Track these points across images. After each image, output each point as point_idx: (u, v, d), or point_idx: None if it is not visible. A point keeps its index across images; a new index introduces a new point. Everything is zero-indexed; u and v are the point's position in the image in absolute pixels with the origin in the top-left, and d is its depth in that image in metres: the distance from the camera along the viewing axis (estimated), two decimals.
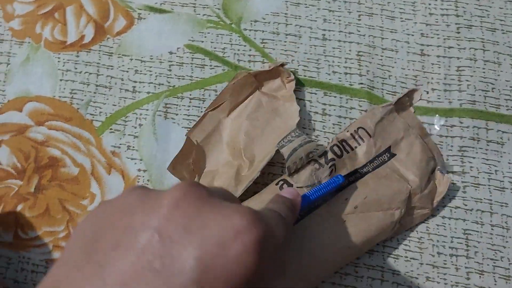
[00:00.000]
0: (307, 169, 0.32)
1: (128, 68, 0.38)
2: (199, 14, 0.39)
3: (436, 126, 0.36)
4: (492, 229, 0.34)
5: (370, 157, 0.34)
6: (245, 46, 0.38)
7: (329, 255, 0.31)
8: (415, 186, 0.33)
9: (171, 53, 0.38)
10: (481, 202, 0.35)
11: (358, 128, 0.34)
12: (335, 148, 0.33)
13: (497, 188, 0.35)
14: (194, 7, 0.39)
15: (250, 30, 0.38)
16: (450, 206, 0.34)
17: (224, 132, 0.35)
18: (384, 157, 0.34)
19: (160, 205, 0.18)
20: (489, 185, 0.35)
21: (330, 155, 0.33)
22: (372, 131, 0.34)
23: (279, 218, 0.22)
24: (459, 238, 0.34)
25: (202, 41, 0.38)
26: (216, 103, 0.35)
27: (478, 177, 0.35)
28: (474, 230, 0.34)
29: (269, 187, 0.33)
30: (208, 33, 0.38)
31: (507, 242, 0.34)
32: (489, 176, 0.35)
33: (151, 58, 0.38)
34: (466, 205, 0.35)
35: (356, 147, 0.34)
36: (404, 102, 0.36)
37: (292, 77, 0.36)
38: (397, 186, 0.33)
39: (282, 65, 0.36)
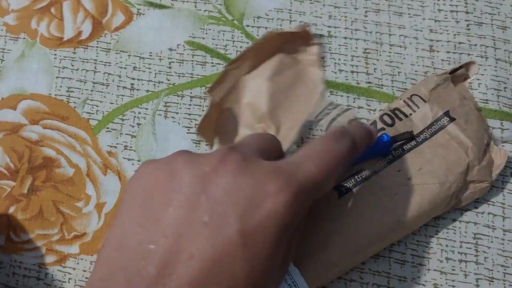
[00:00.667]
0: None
1: (126, 65, 0.36)
2: (200, 9, 0.37)
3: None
4: (504, 234, 0.33)
5: (428, 122, 0.32)
6: (247, 43, 0.37)
7: (377, 230, 0.30)
8: (473, 157, 0.31)
9: (171, 49, 0.37)
10: (493, 205, 0.33)
11: (411, 96, 0.32)
12: (385, 118, 0.32)
13: (510, 192, 0.34)
14: (195, 2, 0.38)
15: (253, 26, 0.37)
16: (460, 209, 0.33)
17: (243, 91, 0.33)
18: (444, 121, 0.32)
19: (204, 170, 0.21)
20: (502, 188, 0.34)
21: (379, 125, 0.31)
22: (427, 97, 0.32)
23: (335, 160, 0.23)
24: (468, 243, 0.33)
25: (203, 38, 0.37)
26: (237, 60, 0.33)
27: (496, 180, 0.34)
28: (484, 235, 0.33)
29: None
30: (210, 29, 0.37)
31: None
32: (503, 178, 0.34)
33: (150, 55, 0.37)
34: (477, 207, 0.33)
35: (410, 114, 0.32)
36: (460, 75, 0.34)
37: (317, 40, 0.34)
38: (455, 156, 0.31)
39: (308, 26, 0.33)
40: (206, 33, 0.37)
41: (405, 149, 0.31)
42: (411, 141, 0.31)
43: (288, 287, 0.26)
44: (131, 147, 0.35)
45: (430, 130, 0.32)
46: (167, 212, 0.20)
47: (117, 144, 0.35)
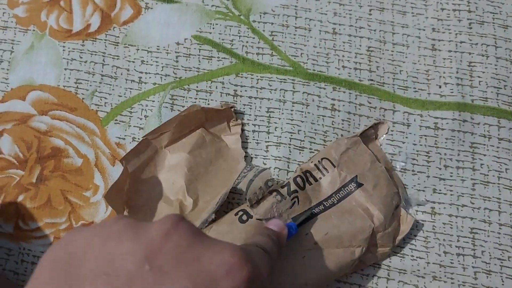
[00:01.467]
0: (269, 201, 0.31)
1: (135, 59, 0.37)
2: (207, 4, 0.38)
3: (398, 165, 0.35)
4: (500, 228, 0.34)
5: (335, 187, 0.33)
6: (253, 38, 0.37)
7: None
8: (379, 223, 0.32)
9: (178, 44, 0.37)
10: (489, 200, 0.34)
11: (322, 159, 0.33)
12: (298, 179, 0.32)
13: (506, 187, 0.34)
14: None
15: (259, 22, 0.38)
16: (457, 205, 0.34)
17: (161, 163, 0.34)
18: (351, 187, 0.33)
19: (150, 234, 0.18)
20: (498, 184, 0.35)
21: (292, 187, 0.32)
22: (337, 162, 0.33)
23: (264, 255, 0.22)
24: (466, 237, 0.33)
25: (210, 33, 0.37)
26: (159, 130, 0.33)
27: (488, 175, 0.35)
28: (481, 229, 0.34)
29: (227, 217, 0.31)
30: (216, 24, 0.38)
31: None
32: (499, 174, 0.35)
33: (158, 49, 0.37)
34: (473, 203, 0.34)
35: (320, 178, 0.33)
36: (370, 135, 0.35)
37: (239, 121, 0.35)
38: (360, 223, 0.32)
39: (232, 107, 0.35)
40: (213, 28, 0.38)
41: (314, 212, 0.32)
42: (310, 219, 0.32)
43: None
44: (139, 138, 0.35)
45: (338, 196, 0.33)
46: (98, 284, 0.17)
47: (125, 136, 0.36)
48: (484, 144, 0.35)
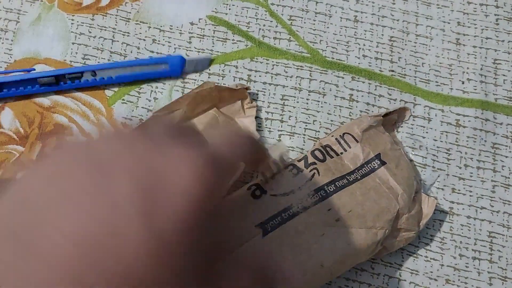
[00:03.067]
0: (284, 175, 0.29)
1: (146, 37, 0.35)
2: None
3: (417, 159, 0.33)
4: None
5: (358, 163, 0.30)
6: (271, 21, 0.36)
7: (298, 274, 0.27)
8: (404, 204, 0.30)
9: (192, 24, 0.36)
10: (509, 204, 0.33)
11: (343, 134, 0.31)
12: (317, 153, 0.30)
13: None
14: None
15: (277, 5, 0.36)
16: (476, 206, 0.33)
17: None
18: (374, 164, 0.31)
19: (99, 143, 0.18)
20: None
21: (310, 159, 0.30)
22: (360, 137, 0.31)
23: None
24: (483, 240, 0.32)
25: (226, 14, 0.36)
26: (170, 107, 0.32)
27: (509, 178, 0.33)
28: (499, 233, 0.32)
29: (239, 192, 0.29)
30: (233, 5, 0.36)
31: None
32: None
33: (171, 28, 0.35)
34: (493, 206, 0.33)
35: (341, 153, 0.31)
36: (391, 120, 0.33)
37: (254, 103, 0.33)
38: (386, 202, 0.30)
39: (247, 88, 0.33)
40: (230, 9, 0.36)
41: (338, 186, 0.29)
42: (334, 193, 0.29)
43: None
44: None
45: (361, 172, 0.30)
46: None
47: (132, 117, 0.34)
48: (506, 146, 0.34)
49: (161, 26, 0.36)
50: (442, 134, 0.34)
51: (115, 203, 0.16)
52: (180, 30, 0.35)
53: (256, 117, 0.34)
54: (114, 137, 0.19)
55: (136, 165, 0.17)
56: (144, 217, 0.16)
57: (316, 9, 0.36)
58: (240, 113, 0.33)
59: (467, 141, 0.34)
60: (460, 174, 0.33)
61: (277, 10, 0.36)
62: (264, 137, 0.34)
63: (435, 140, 0.34)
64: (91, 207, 0.16)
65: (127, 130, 0.20)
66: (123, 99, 0.34)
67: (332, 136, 0.31)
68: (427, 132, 0.34)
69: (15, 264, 0.16)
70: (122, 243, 0.16)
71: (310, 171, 0.29)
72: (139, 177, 0.17)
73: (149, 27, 0.36)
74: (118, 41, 0.35)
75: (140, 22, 0.36)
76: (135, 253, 0.16)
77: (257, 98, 0.34)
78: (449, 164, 0.33)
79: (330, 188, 0.29)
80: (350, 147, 0.31)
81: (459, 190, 0.33)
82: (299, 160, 0.30)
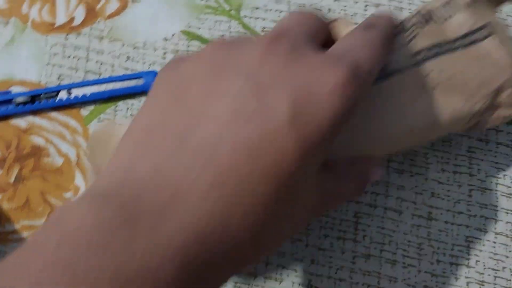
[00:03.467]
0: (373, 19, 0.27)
1: (120, 54, 0.36)
2: None
3: None
4: (495, 237, 0.33)
5: (464, 31, 0.28)
6: (245, 33, 0.36)
7: (388, 131, 0.27)
8: (508, 77, 0.28)
9: (166, 39, 0.36)
10: (486, 208, 0.33)
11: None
12: (418, 16, 0.28)
13: (504, 194, 0.33)
14: None
15: (250, 17, 0.36)
16: (453, 211, 0.33)
17: None
18: (481, 33, 0.28)
19: (249, 56, 0.19)
20: (496, 190, 0.33)
21: (412, 22, 0.28)
22: (468, 4, 0.29)
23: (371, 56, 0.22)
24: (460, 245, 0.32)
25: (199, 28, 0.36)
26: None
27: (485, 181, 0.33)
28: (476, 238, 0.32)
29: None
30: (206, 19, 0.36)
31: (510, 251, 0.32)
32: (497, 180, 0.33)
33: (145, 45, 0.36)
34: (470, 210, 0.33)
35: (446, 19, 0.29)
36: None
37: None
38: (489, 73, 0.28)
39: None
40: (203, 23, 0.36)
41: (439, 52, 0.28)
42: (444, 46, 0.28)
43: None
44: None
45: (466, 40, 0.28)
46: (204, 102, 0.18)
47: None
48: (482, 149, 0.34)
49: (135, 43, 0.36)
50: None
51: (271, 110, 0.18)
52: (154, 46, 0.36)
53: None
54: (262, 46, 0.20)
55: (287, 76, 0.19)
56: (296, 127, 0.18)
57: None
58: None
59: (442, 145, 0.34)
60: (439, 178, 0.33)
61: (249, 23, 0.36)
62: None
63: None
64: (249, 114, 0.18)
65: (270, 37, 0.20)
66: (99, 118, 0.34)
67: (438, 1, 0.29)
68: None
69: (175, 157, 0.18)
70: (277, 148, 0.18)
71: (410, 33, 0.28)
72: (291, 88, 0.18)
73: (123, 44, 0.36)
74: (92, 59, 0.35)
75: (114, 39, 0.36)
76: (287, 157, 0.18)
77: None
78: (428, 168, 0.34)
79: (430, 53, 0.28)
80: (456, 13, 0.29)
81: (438, 194, 0.33)
82: (400, 22, 0.28)
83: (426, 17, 0.29)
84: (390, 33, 0.25)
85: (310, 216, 0.23)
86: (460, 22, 0.29)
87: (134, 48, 0.36)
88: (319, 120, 0.19)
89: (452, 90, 0.28)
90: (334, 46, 0.22)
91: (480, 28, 0.29)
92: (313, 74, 0.19)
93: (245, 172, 0.17)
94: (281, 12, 0.36)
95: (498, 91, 0.28)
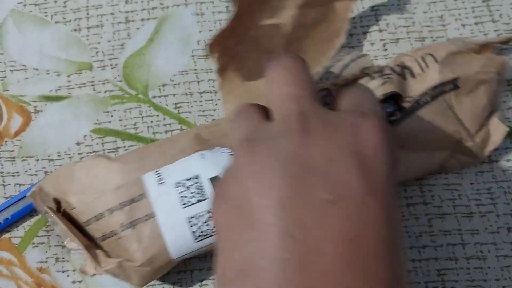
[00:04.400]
0: (356, 85, 0.29)
1: (36, 171, 0.34)
2: (100, 92, 0.34)
3: None
4: (468, 262, 0.30)
5: (431, 85, 0.30)
6: (158, 115, 0.34)
7: None
8: (467, 131, 0.30)
9: (78, 143, 0.34)
10: (450, 234, 0.31)
11: (426, 54, 0.30)
12: (396, 68, 0.30)
13: (464, 215, 0.31)
14: (92, 85, 0.35)
15: (159, 96, 0.34)
16: (417, 247, 0.31)
17: (271, 11, 0.29)
18: (447, 87, 0.30)
19: (287, 150, 0.19)
20: (455, 213, 0.31)
21: (387, 71, 0.29)
22: (441, 59, 0.30)
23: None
24: (434, 281, 0.30)
25: (110, 121, 0.34)
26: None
27: (442, 206, 0.31)
28: (448, 268, 0.30)
29: None
30: (114, 110, 0.34)
31: (486, 274, 0.30)
32: (453, 202, 0.31)
33: (59, 155, 0.34)
34: (434, 241, 0.31)
35: (418, 73, 0.30)
36: (494, 47, 0.31)
37: None
38: (451, 128, 0.29)
39: None
40: (112, 116, 0.34)
41: (406, 110, 0.29)
42: (404, 114, 0.29)
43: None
44: (63, 258, 0.32)
45: (433, 92, 0.30)
46: (272, 210, 0.18)
47: (47, 258, 0.32)
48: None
49: (48, 156, 0.34)
50: None
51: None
52: (69, 154, 0.34)
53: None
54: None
55: (332, 148, 0.19)
56: (365, 183, 0.18)
57: (199, 89, 0.34)
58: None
59: None
60: None
61: (160, 102, 0.34)
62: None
63: None
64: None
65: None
66: (33, 243, 0.33)
67: (414, 55, 0.31)
68: None
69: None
70: (350, 206, 0.18)
71: (383, 79, 0.29)
72: (351, 160, 0.18)
73: (37, 160, 0.34)
74: (9, 184, 0.33)
75: (26, 157, 0.34)
76: (378, 225, 0.18)
77: None
78: None
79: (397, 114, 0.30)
80: (428, 68, 0.30)
81: None
82: (376, 72, 0.30)
83: (399, 71, 0.30)
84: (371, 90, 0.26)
85: None
86: (429, 77, 0.30)
87: (49, 161, 0.34)
88: (382, 175, 0.19)
89: (418, 146, 0.29)
90: (343, 105, 0.23)
91: (448, 82, 0.30)
92: (354, 135, 0.19)
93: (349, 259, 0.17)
94: (190, 83, 0.34)
95: (459, 144, 0.30)
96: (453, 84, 0.30)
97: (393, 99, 0.30)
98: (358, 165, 0.18)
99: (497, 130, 0.30)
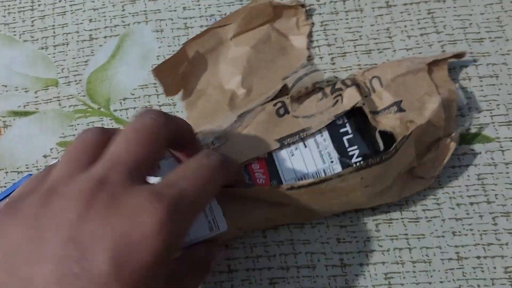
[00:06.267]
0: (310, 98, 0.31)
1: (6, 183, 0.35)
2: (65, 106, 0.36)
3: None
4: (414, 266, 0.31)
5: (377, 108, 0.31)
6: (119, 127, 0.35)
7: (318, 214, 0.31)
8: (415, 157, 0.31)
9: (45, 156, 0.35)
10: (396, 239, 0.32)
11: (373, 77, 0.32)
12: (347, 81, 0.31)
13: (411, 220, 0.32)
14: (58, 100, 0.36)
15: (120, 110, 0.36)
16: (365, 251, 0.32)
17: (223, 54, 0.34)
18: (391, 110, 0.31)
19: (69, 217, 0.20)
20: (402, 218, 0.32)
21: (338, 86, 0.31)
22: (387, 83, 0.31)
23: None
24: (381, 285, 0.31)
25: (74, 135, 0.36)
26: (224, 22, 0.34)
27: (389, 212, 0.32)
28: (395, 272, 0.31)
29: (267, 106, 0.31)
30: (78, 124, 0.36)
31: (431, 276, 0.31)
32: (400, 208, 0.32)
33: (27, 167, 0.35)
34: (381, 246, 0.32)
35: (366, 96, 0.31)
36: (442, 64, 0.32)
37: (309, 21, 0.35)
38: (405, 160, 0.30)
39: (303, 6, 0.35)
40: (76, 129, 0.36)
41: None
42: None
43: (207, 223, 0.26)
44: None
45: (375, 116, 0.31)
46: (36, 270, 0.19)
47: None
48: None
49: (17, 168, 0.36)
50: None
51: (94, 269, 0.19)
52: (37, 166, 0.35)
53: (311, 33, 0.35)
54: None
55: (107, 230, 0.19)
56: (120, 279, 0.19)
57: (159, 102, 0.36)
58: (293, 30, 0.35)
59: None
60: (340, 222, 0.32)
61: (121, 115, 0.36)
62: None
63: None
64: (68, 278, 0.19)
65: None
66: None
67: (365, 74, 0.32)
68: None
69: None
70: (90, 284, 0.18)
71: (334, 98, 0.31)
72: (110, 242, 0.19)
73: (6, 172, 0.36)
74: None
75: None
76: None
77: (313, 15, 0.36)
78: (326, 217, 0.33)
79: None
80: (374, 91, 0.31)
81: (344, 239, 0.32)
82: (328, 86, 0.31)
83: (351, 85, 0.31)
84: (230, 162, 0.26)
85: None
86: (375, 99, 0.31)
87: (18, 173, 0.35)
88: (141, 264, 0.19)
89: (376, 185, 0.30)
90: (166, 176, 0.22)
91: (392, 105, 0.31)
92: (132, 219, 0.20)
93: None
94: (149, 96, 0.36)
95: (408, 170, 0.31)
96: (397, 107, 0.31)
97: (354, 115, 0.31)
98: (113, 250, 0.19)
99: (445, 149, 0.31)
